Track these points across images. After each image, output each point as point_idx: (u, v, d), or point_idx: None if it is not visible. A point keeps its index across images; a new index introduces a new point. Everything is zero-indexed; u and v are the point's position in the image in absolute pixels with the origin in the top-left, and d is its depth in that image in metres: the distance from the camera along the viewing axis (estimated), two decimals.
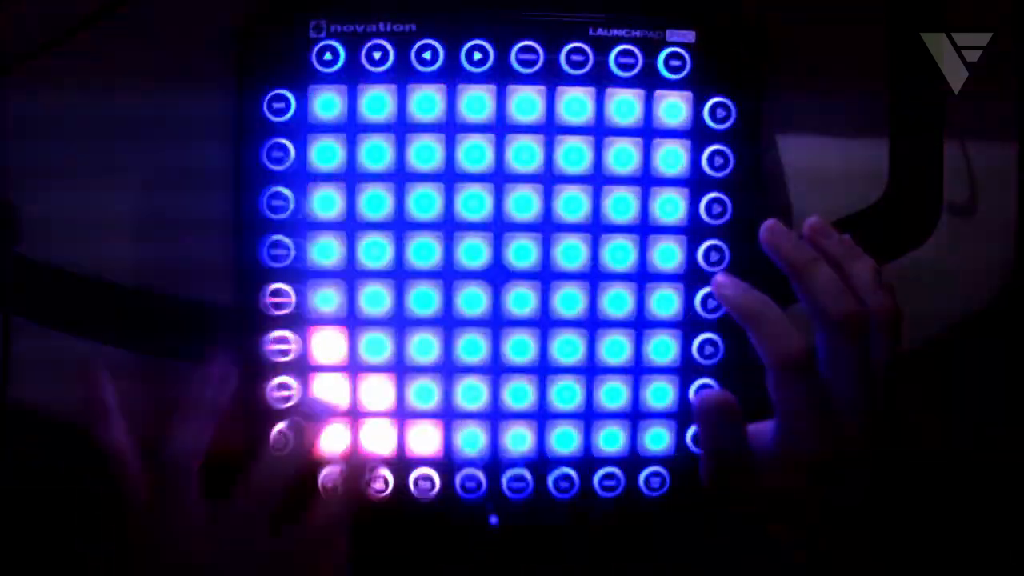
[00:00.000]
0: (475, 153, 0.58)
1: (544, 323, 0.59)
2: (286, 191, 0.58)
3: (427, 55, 0.57)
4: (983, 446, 0.68)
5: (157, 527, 0.53)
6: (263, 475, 0.55)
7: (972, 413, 0.68)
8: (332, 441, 0.60)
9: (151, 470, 0.54)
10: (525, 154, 0.58)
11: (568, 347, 0.60)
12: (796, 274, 0.54)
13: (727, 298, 0.55)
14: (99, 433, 0.55)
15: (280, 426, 0.57)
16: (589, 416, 0.60)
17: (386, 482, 0.60)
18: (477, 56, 0.57)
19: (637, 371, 0.60)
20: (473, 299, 0.59)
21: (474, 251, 0.59)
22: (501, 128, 0.58)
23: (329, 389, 0.59)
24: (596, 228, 0.59)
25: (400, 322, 0.59)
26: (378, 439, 0.60)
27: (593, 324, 0.60)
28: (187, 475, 0.54)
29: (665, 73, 0.58)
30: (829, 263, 0.54)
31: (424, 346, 0.59)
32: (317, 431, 0.57)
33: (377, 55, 0.57)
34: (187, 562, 0.53)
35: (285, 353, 0.59)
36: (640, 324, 0.60)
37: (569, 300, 0.59)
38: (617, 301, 0.60)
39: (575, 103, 0.58)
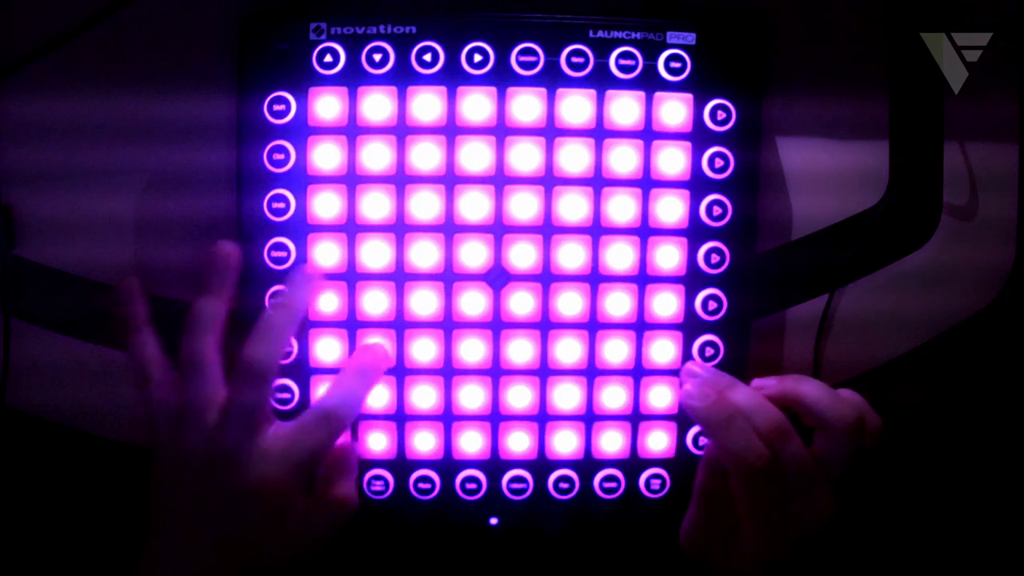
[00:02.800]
0: (475, 155, 0.58)
1: (544, 325, 0.59)
2: (287, 193, 0.58)
3: (427, 57, 0.57)
4: (983, 446, 0.68)
5: (222, 434, 0.52)
6: (263, 332, 0.54)
7: (972, 413, 0.68)
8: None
9: (228, 373, 0.53)
10: (525, 156, 0.58)
11: (568, 349, 0.60)
12: (711, 429, 0.53)
13: (694, 409, 0.54)
14: (129, 346, 0.54)
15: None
16: (590, 418, 0.60)
17: (386, 483, 0.60)
18: (477, 58, 0.57)
19: (638, 373, 0.60)
20: (473, 301, 0.59)
21: (474, 253, 0.59)
22: (501, 130, 0.58)
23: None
24: (596, 230, 0.59)
25: (400, 324, 0.59)
26: (378, 441, 0.60)
27: (593, 326, 0.60)
28: (267, 378, 0.53)
29: (665, 75, 0.58)
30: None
31: (424, 348, 0.59)
32: (312, 290, 0.57)
33: (377, 57, 0.57)
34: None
35: (286, 355, 0.59)
36: (640, 326, 0.60)
37: (569, 302, 0.59)
38: (617, 303, 0.60)
39: (575, 105, 0.58)
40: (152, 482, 0.53)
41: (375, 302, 0.59)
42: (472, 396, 0.60)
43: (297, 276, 0.56)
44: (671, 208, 0.59)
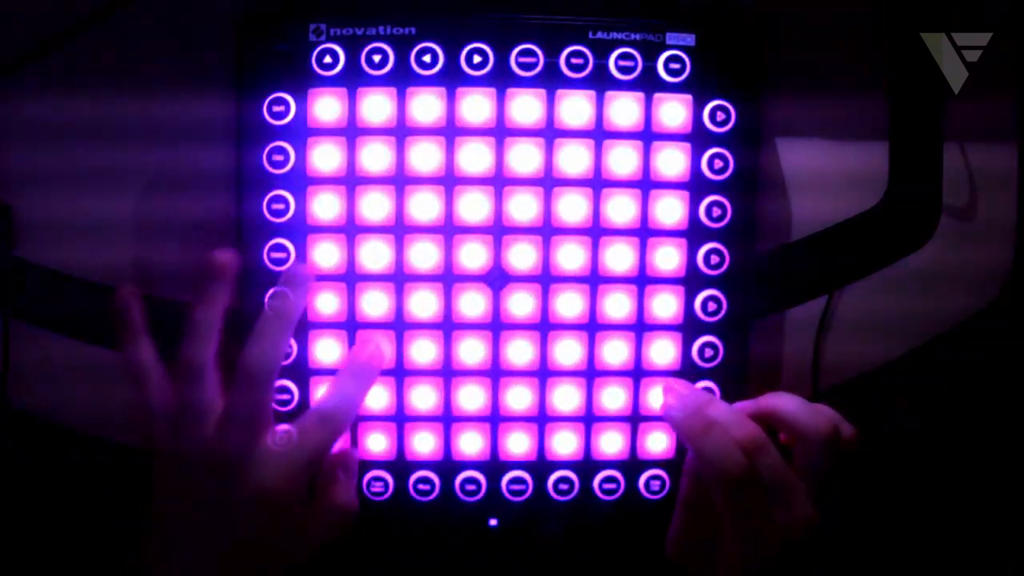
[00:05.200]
0: (475, 156, 0.58)
1: (544, 326, 0.59)
2: (286, 194, 0.58)
3: (427, 58, 0.57)
4: (983, 446, 0.68)
5: (222, 440, 0.53)
6: (260, 335, 0.54)
7: (972, 413, 0.68)
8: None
9: (226, 380, 0.54)
10: (525, 157, 0.58)
11: (568, 350, 0.60)
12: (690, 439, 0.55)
13: (674, 420, 0.56)
14: (126, 352, 0.55)
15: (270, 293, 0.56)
16: (589, 419, 0.60)
17: (386, 485, 0.60)
18: (477, 59, 0.57)
19: (637, 374, 0.60)
20: (473, 302, 0.59)
21: (474, 254, 0.59)
22: (501, 131, 0.58)
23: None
24: (596, 231, 0.59)
25: (400, 325, 0.59)
26: (378, 442, 0.60)
27: (593, 327, 0.60)
28: (267, 382, 0.54)
29: (665, 76, 0.58)
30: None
31: (424, 349, 0.59)
32: (307, 290, 0.57)
33: (377, 58, 0.57)
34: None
35: (285, 356, 0.59)
36: (640, 327, 0.60)
37: (569, 303, 0.59)
38: (617, 304, 0.60)
39: (575, 106, 0.58)
40: (154, 486, 0.54)
41: (375, 303, 0.59)
42: (472, 397, 0.60)
43: (292, 276, 0.56)
44: (670, 209, 0.59)
